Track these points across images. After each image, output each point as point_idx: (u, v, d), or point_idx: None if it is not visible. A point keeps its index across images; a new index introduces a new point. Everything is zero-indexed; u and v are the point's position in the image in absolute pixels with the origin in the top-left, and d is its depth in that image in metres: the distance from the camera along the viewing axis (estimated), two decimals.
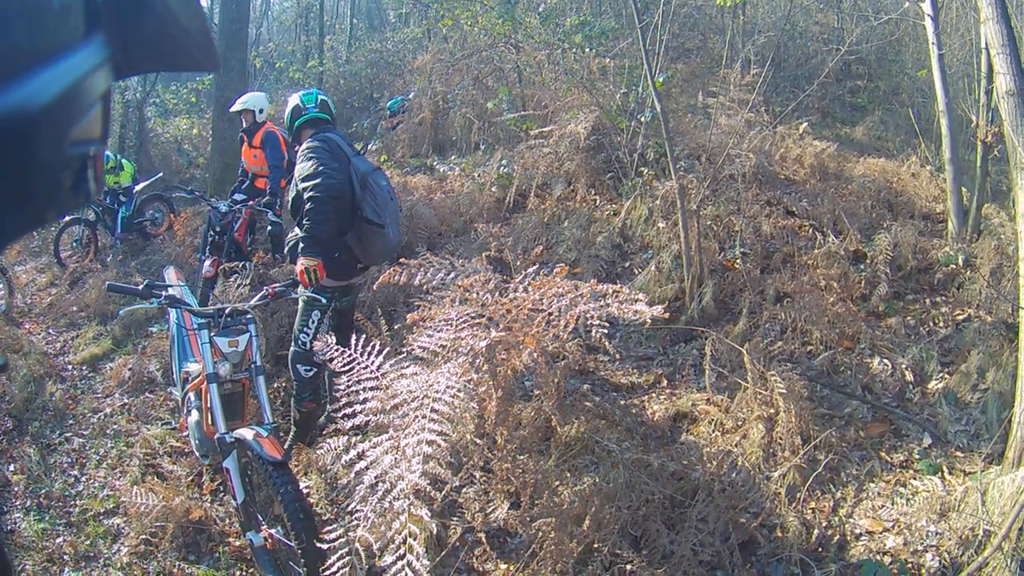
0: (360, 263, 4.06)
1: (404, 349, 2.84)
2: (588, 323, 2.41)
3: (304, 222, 3.69)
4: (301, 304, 3.95)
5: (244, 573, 3.31)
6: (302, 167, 3.78)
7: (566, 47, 8.44)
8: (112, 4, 0.55)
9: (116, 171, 9.21)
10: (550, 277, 2.72)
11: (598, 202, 6.72)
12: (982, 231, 5.84)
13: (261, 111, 6.69)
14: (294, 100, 4.12)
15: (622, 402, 4.16)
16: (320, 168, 3.71)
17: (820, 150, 7.20)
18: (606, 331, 2.32)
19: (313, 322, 3.91)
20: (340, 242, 3.91)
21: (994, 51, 3.67)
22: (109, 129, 0.55)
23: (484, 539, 2.94)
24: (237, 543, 3.43)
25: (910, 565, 3.03)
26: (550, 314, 2.63)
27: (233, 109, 6.78)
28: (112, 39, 0.54)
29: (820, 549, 3.16)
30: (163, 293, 3.26)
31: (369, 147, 10.29)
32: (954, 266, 5.40)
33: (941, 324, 4.86)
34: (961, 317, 4.89)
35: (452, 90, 9.96)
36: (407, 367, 2.62)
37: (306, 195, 3.69)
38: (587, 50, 8.19)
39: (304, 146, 3.88)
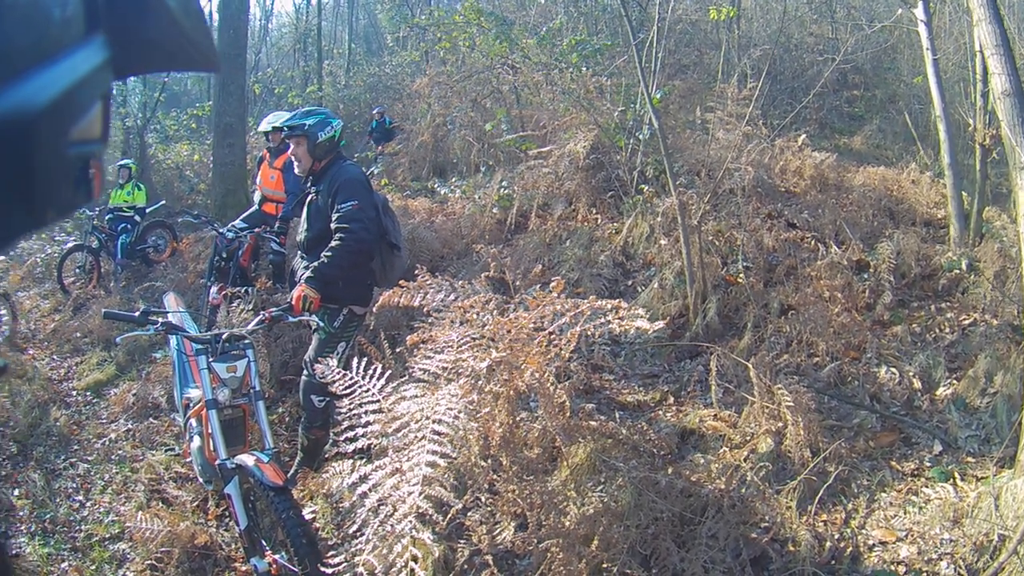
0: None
1: (407, 371, 2.82)
2: (590, 341, 2.39)
3: (326, 255, 3.64)
4: (321, 335, 3.88)
5: None
6: (343, 200, 3.72)
7: (563, 67, 8.47)
8: (112, 4, 0.55)
9: (132, 191, 9.30)
10: (548, 294, 2.70)
11: (599, 221, 6.71)
12: (984, 235, 5.83)
13: None
14: (336, 125, 3.97)
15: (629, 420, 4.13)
16: (361, 214, 3.68)
17: (819, 161, 7.21)
18: (608, 349, 2.31)
19: (337, 354, 3.71)
20: (367, 269, 3.92)
21: (988, 52, 3.68)
22: (110, 129, 0.55)
23: (491, 561, 2.89)
24: (243, 568, 3.39)
25: (925, 574, 2.98)
26: (551, 333, 2.62)
27: (264, 128, 6.64)
28: (112, 39, 0.54)
29: (833, 561, 3.11)
30: (159, 320, 3.24)
31: (372, 171, 10.35)
32: (958, 271, 5.38)
33: (947, 330, 4.82)
34: (967, 322, 4.86)
35: (451, 113, 10.01)
36: (408, 389, 2.60)
37: (340, 234, 3.66)
38: (584, 69, 8.22)
39: (347, 178, 3.81)
